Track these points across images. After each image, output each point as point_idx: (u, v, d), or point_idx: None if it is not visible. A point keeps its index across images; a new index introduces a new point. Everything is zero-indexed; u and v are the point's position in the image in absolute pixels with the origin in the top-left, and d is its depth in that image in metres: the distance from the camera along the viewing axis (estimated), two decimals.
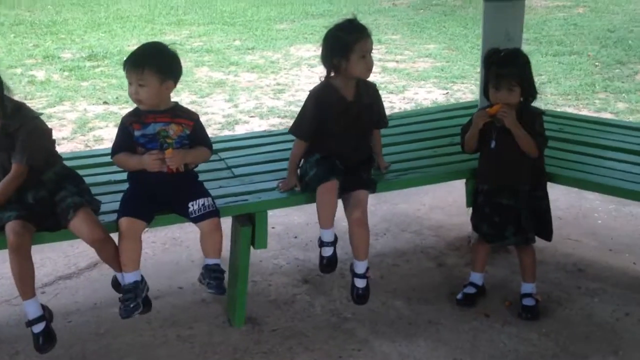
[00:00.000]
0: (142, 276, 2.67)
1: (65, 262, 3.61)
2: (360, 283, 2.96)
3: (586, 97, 6.90)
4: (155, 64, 2.60)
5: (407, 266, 3.60)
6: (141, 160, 2.65)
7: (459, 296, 3.21)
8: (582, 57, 8.70)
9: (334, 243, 2.94)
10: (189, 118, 2.74)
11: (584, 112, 6.22)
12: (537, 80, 7.84)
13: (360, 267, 2.94)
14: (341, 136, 2.94)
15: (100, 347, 2.89)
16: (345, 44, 2.82)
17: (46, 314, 2.63)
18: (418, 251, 3.76)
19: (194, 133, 2.73)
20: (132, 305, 2.61)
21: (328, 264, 2.97)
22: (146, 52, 2.68)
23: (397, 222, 4.12)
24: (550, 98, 6.93)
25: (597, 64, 8.35)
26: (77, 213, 2.52)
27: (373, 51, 2.94)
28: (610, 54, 8.79)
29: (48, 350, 2.60)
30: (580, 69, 8.06)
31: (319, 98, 2.94)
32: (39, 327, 2.58)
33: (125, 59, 2.66)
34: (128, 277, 2.63)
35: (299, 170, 3.04)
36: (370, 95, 3.02)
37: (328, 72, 2.94)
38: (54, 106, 6.74)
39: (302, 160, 3.04)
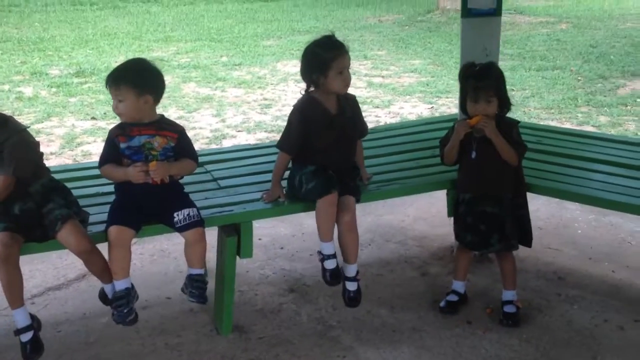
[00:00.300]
0: (132, 284, 2.72)
1: (55, 274, 3.65)
2: (351, 286, 3.03)
3: (569, 111, 7.04)
4: (131, 79, 2.67)
5: (391, 276, 3.67)
6: (126, 172, 2.71)
7: (442, 304, 3.28)
8: (565, 72, 8.87)
9: (335, 255, 2.97)
10: (174, 130, 2.79)
11: (567, 126, 6.34)
12: (521, 94, 8.03)
13: (351, 270, 3.01)
14: (327, 149, 3.00)
15: (89, 356, 2.93)
16: (323, 60, 2.88)
17: (34, 324, 2.68)
18: (402, 261, 3.83)
19: (178, 145, 2.78)
20: (125, 311, 2.67)
21: (333, 277, 2.98)
22: (124, 68, 2.75)
23: (381, 233, 4.19)
24: (534, 112, 7.07)
25: (579, 78, 8.52)
26: (65, 225, 2.57)
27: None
28: (593, 69, 8.96)
29: (35, 359, 2.63)
30: (563, 84, 8.22)
31: (303, 112, 3.00)
32: (26, 336, 2.62)
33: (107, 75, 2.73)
34: (119, 285, 2.68)
35: (286, 182, 3.10)
36: (351, 107, 3.10)
37: (308, 87, 3.01)
38: (42, 122, 6.79)
39: (291, 172, 3.10)
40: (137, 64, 2.78)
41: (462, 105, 3.11)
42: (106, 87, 2.71)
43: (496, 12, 3.62)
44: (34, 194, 2.65)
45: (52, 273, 3.65)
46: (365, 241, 4.04)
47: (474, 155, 3.09)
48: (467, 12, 3.65)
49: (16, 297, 2.60)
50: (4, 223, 2.54)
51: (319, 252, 2.98)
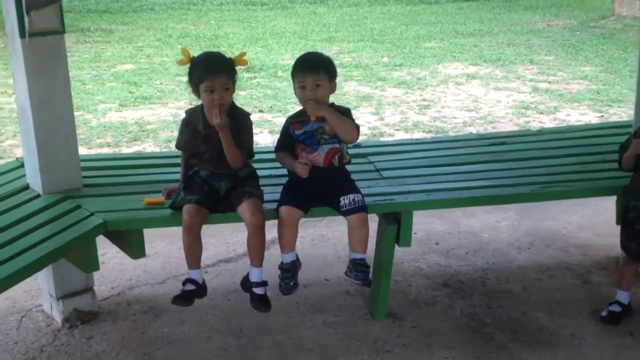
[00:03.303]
0: (297, 256, 2.92)
1: (226, 248, 3.96)
2: None
3: None
4: (326, 66, 2.88)
5: (551, 281, 3.58)
6: (293, 165, 2.90)
7: (604, 313, 3.17)
8: None
9: None
10: (342, 111, 2.93)
11: None
12: None
13: None
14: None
15: (255, 323, 3.16)
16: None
17: (201, 285, 2.89)
18: (562, 267, 3.73)
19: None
20: (291, 283, 2.87)
21: None
22: (317, 57, 2.95)
23: (541, 238, 4.10)
24: None
25: None
26: (249, 200, 2.80)
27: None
28: None
29: (179, 304, 2.84)
30: None
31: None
32: (189, 287, 2.85)
33: (297, 65, 2.89)
34: (286, 257, 2.89)
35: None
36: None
37: None
38: None
39: None
40: (322, 54, 2.99)
41: None
42: (297, 75, 2.86)
43: None
44: (241, 177, 2.91)
45: (223, 247, 3.96)
46: (524, 244, 3.98)
47: None
48: None
49: (194, 261, 2.87)
50: (197, 196, 2.81)
51: None
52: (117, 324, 3.19)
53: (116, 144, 6.27)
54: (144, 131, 6.67)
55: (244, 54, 2.92)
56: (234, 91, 2.88)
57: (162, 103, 7.84)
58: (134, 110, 7.51)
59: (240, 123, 2.88)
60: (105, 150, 6.10)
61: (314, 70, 2.84)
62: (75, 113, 7.22)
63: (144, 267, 3.72)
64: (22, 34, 2.77)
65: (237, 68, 2.91)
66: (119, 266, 3.72)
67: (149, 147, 6.21)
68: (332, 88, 2.91)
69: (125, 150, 6.11)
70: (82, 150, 6.11)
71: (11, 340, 3.06)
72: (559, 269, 3.72)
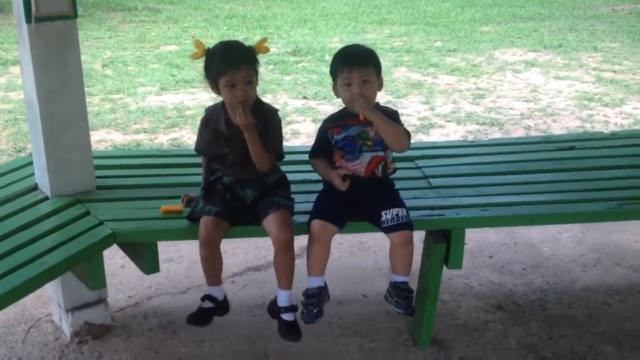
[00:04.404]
0: (325, 283, 2.56)
1: (255, 254, 3.63)
2: None
3: None
4: (373, 61, 2.53)
5: (620, 307, 3.15)
6: (330, 176, 2.55)
7: None
8: None
9: None
10: (388, 114, 2.55)
11: None
12: None
13: None
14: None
15: (281, 347, 2.83)
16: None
17: (222, 303, 2.60)
18: (635, 291, 3.29)
19: None
20: (315, 311, 2.51)
21: None
22: (364, 50, 2.58)
23: (609, 254, 3.65)
24: None
25: None
26: (276, 212, 2.47)
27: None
28: None
29: (194, 324, 2.57)
30: None
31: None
32: (207, 305, 2.56)
33: (339, 60, 2.53)
34: (313, 281, 2.53)
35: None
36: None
37: None
38: None
39: None
40: (365, 46, 2.61)
41: None
42: (342, 70, 2.49)
43: None
44: (269, 184, 2.58)
45: (253, 253, 3.64)
46: (589, 261, 3.54)
47: None
48: None
49: (213, 276, 2.57)
50: (217, 207, 2.49)
51: None
52: (130, 340, 2.90)
53: (153, 131, 6.02)
54: (182, 117, 6.41)
55: (264, 40, 2.59)
56: (257, 83, 2.52)
57: (203, 87, 7.55)
58: (174, 94, 7.27)
59: (267, 120, 2.53)
60: (142, 137, 5.87)
61: (362, 64, 2.47)
62: (115, 96, 7.20)
63: (167, 273, 3.42)
64: (28, 19, 2.48)
65: (266, 55, 2.59)
66: (139, 271, 3.42)
67: (186, 134, 5.96)
68: (380, 85, 2.55)
69: (162, 137, 5.87)
70: (118, 137, 5.94)
71: (15, 355, 2.80)
72: (630, 292, 3.27)
